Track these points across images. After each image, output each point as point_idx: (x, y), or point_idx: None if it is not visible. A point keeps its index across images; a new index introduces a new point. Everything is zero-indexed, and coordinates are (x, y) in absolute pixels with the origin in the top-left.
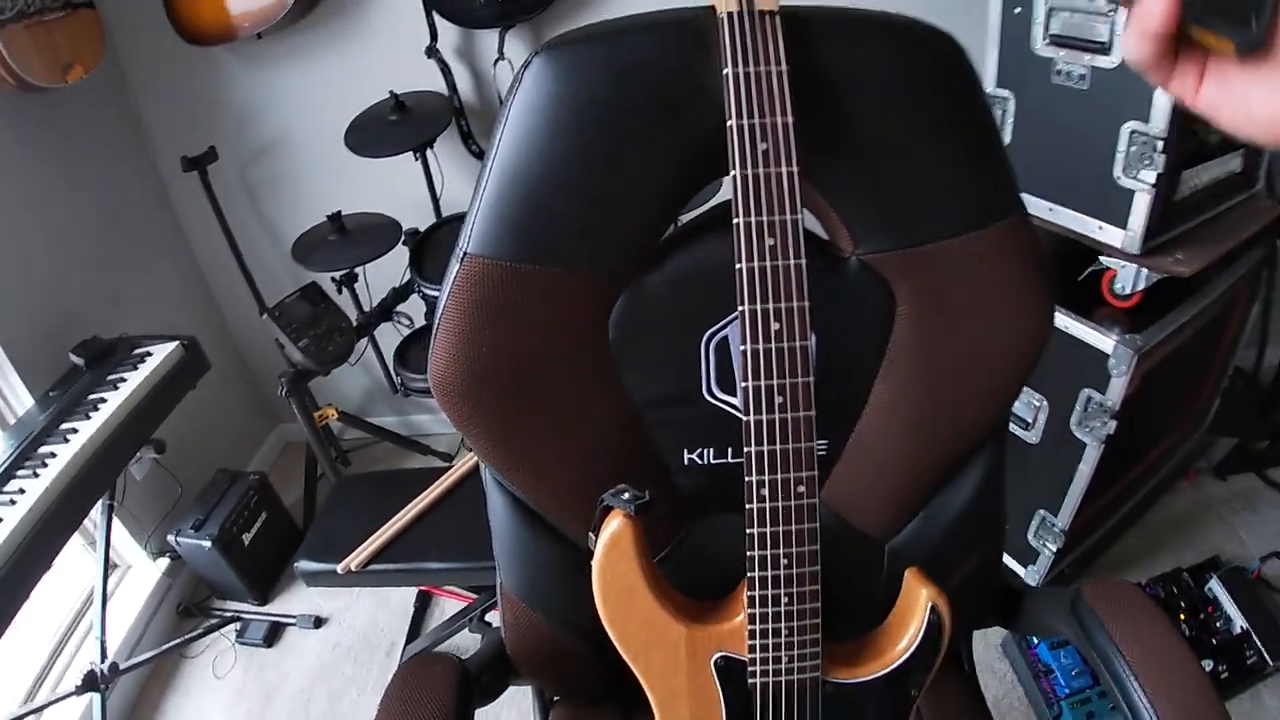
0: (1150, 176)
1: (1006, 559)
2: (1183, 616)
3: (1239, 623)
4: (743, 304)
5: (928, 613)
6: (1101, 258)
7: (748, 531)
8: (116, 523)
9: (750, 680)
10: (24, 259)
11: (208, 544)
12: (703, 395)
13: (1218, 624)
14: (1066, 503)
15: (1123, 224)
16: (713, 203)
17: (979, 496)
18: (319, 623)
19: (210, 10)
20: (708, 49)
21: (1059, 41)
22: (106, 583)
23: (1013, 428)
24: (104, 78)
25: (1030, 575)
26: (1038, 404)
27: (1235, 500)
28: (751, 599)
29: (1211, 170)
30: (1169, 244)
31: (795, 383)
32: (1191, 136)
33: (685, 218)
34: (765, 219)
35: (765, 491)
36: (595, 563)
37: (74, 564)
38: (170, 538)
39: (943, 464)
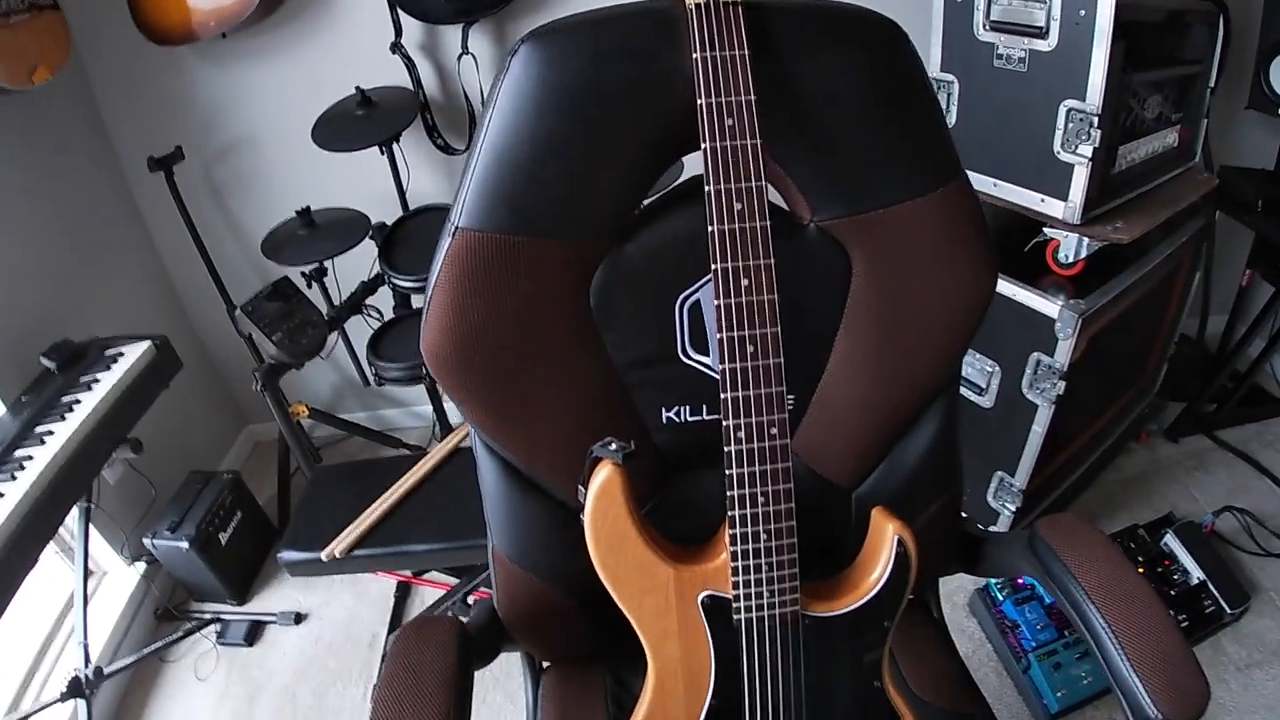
0: (1087, 150)
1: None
2: (1141, 570)
3: (1196, 574)
4: (716, 263)
5: (895, 545)
6: (1045, 229)
7: (726, 473)
8: (91, 528)
9: (735, 616)
10: None
11: (185, 545)
12: (678, 356)
13: (1175, 576)
14: (1023, 463)
15: (1063, 196)
16: (676, 184)
17: (936, 445)
18: (299, 619)
19: (175, 10)
20: (677, 37)
21: (999, 27)
22: (86, 585)
23: (967, 393)
24: (69, 79)
25: None
26: (990, 369)
27: (1187, 460)
28: (733, 536)
29: (1149, 144)
30: (1109, 214)
31: (764, 333)
32: (1128, 113)
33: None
34: (733, 186)
35: (741, 434)
36: (587, 511)
37: (48, 572)
38: (146, 540)
39: (900, 415)
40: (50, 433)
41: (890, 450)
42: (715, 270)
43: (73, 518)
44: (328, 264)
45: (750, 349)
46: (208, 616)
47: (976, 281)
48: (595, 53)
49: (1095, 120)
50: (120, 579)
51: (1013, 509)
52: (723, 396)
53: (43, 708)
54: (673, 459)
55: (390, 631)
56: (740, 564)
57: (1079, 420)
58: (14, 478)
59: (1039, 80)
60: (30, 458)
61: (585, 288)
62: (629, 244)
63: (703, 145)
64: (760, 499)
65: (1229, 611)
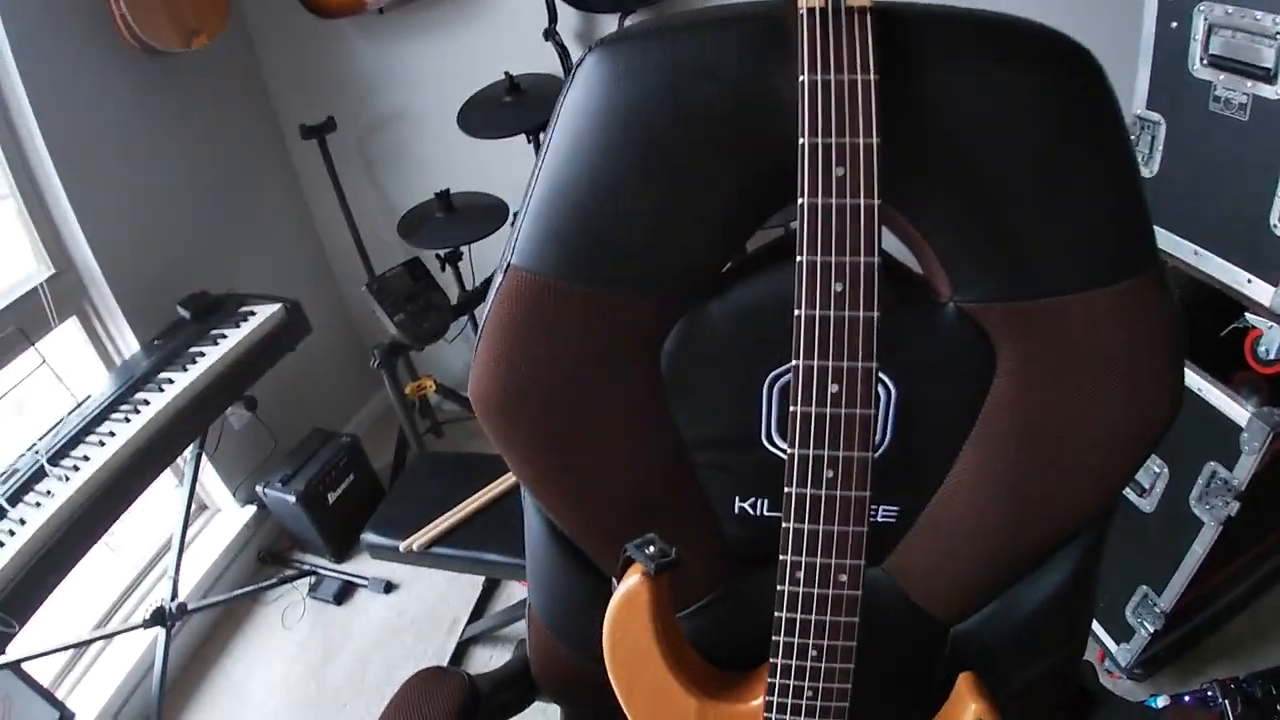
0: None
1: (1100, 631)
2: None
3: None
4: (797, 358)
5: None
6: (1247, 314)
7: (775, 615)
8: (210, 468)
9: None
10: (142, 212)
11: (293, 499)
12: (760, 441)
13: None
14: (1173, 583)
15: (1274, 280)
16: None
17: (1065, 592)
18: (389, 588)
19: None
20: (785, 51)
21: (1218, 63)
22: (187, 527)
23: (1128, 491)
24: (229, 44)
25: (1122, 654)
26: (1158, 470)
27: None
28: (772, 686)
29: None
30: None
31: (850, 457)
32: None
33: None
34: (834, 259)
35: (801, 575)
36: (607, 619)
37: (172, 498)
38: (259, 488)
39: (1029, 551)
40: (170, 381)
41: (1007, 589)
42: (797, 367)
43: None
44: (464, 248)
45: (829, 474)
46: (305, 568)
47: (1154, 405)
48: (675, 69)
49: None
50: (231, 518)
51: (1151, 629)
52: (785, 525)
53: (124, 630)
54: (741, 553)
55: (471, 620)
56: (775, 717)
57: (1246, 540)
58: (128, 420)
59: (1262, 134)
60: (147, 403)
61: (655, 349)
62: (713, 303)
63: (800, 200)
64: (813, 652)
65: None
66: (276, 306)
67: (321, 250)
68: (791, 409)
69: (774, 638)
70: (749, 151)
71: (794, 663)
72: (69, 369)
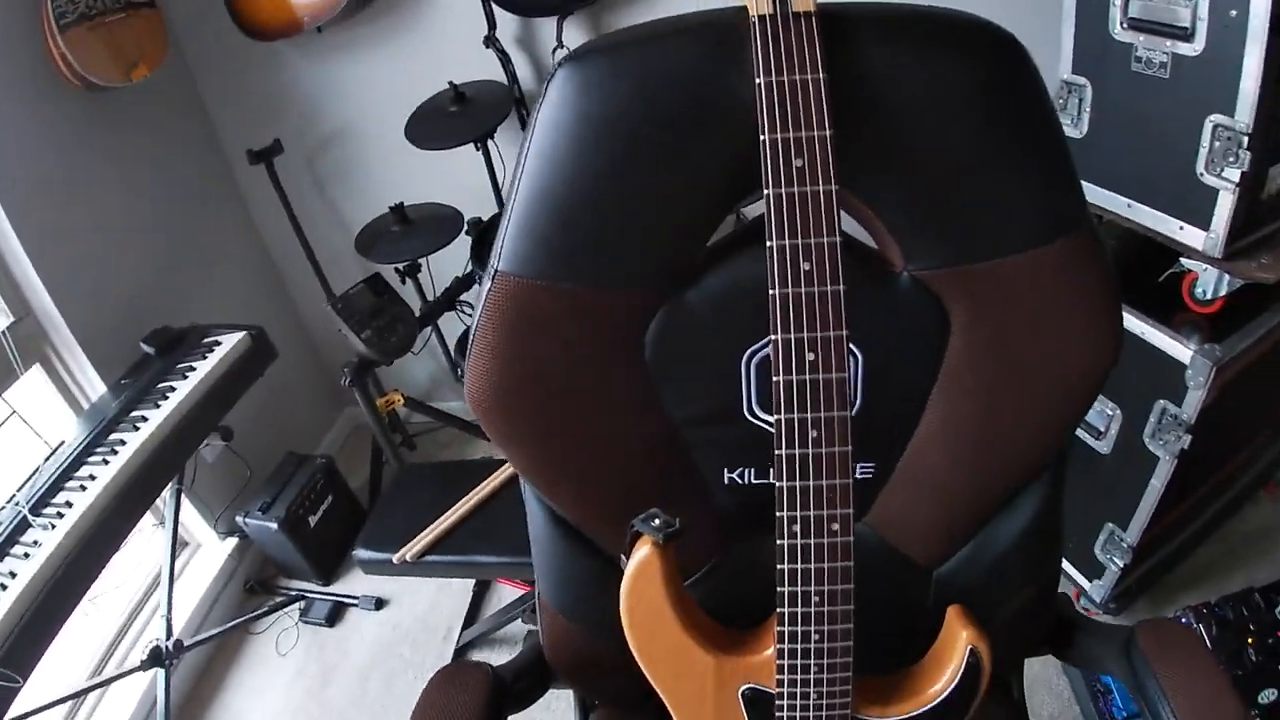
0: (1234, 175)
1: (1072, 571)
2: (1250, 641)
3: None
4: (775, 333)
5: (966, 656)
6: (1182, 259)
7: (778, 567)
8: (187, 503)
9: (778, 715)
10: (96, 252)
11: (274, 526)
12: (743, 414)
13: None
14: (1136, 518)
15: (1205, 225)
16: (746, 223)
17: (1033, 527)
18: (380, 604)
19: (270, 5)
20: (740, 55)
21: (1138, 25)
22: (174, 563)
23: (1084, 436)
24: (169, 75)
25: (1095, 590)
26: (1111, 413)
27: None
28: (781, 634)
29: None
30: (1253, 247)
31: (830, 417)
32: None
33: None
34: (800, 241)
35: (797, 528)
36: (623, 590)
37: (148, 541)
38: (239, 518)
39: (996, 492)
40: (144, 419)
41: (981, 529)
42: (775, 341)
43: (169, 492)
44: (421, 260)
45: (813, 434)
46: (293, 594)
47: (1097, 349)
48: (641, 78)
49: (1245, 140)
50: (213, 552)
51: (1120, 564)
52: (778, 485)
53: (122, 674)
54: (735, 522)
55: (465, 626)
56: (787, 663)
57: (1202, 471)
58: (106, 462)
59: (1182, 89)
60: (123, 443)
61: (640, 339)
62: (691, 291)
63: (765, 191)
64: (815, 598)
65: None
66: (241, 334)
67: (279, 274)
68: (774, 379)
69: (779, 589)
70: (714, 149)
71: (799, 609)
72: (37, 416)
